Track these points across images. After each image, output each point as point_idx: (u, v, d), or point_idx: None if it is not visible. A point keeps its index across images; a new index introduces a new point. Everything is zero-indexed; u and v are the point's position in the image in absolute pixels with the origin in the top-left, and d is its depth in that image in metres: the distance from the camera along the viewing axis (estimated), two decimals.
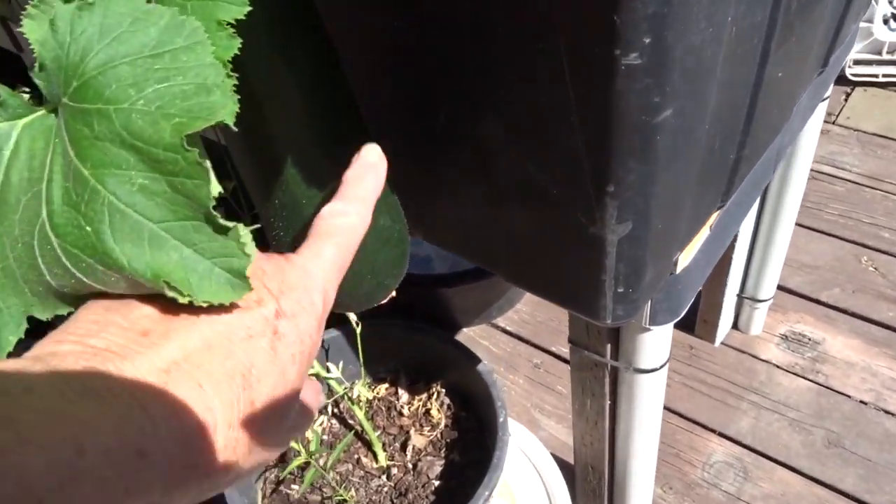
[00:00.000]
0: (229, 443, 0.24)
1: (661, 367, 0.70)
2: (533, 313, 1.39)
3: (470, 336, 1.37)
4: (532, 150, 0.40)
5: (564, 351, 1.32)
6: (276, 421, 0.27)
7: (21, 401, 0.19)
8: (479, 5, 0.34)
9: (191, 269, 0.24)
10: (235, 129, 0.26)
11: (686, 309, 0.62)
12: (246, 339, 0.26)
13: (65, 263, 0.24)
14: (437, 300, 1.33)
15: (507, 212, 0.47)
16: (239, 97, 0.36)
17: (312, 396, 0.34)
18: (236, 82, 0.26)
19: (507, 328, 1.38)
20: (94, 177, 0.23)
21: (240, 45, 0.27)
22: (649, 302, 0.58)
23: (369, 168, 0.38)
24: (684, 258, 0.56)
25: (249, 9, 0.27)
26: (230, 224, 0.24)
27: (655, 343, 0.66)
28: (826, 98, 0.91)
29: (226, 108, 0.24)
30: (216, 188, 0.24)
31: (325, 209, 0.35)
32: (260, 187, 0.41)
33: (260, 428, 0.26)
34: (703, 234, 0.58)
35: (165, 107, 0.23)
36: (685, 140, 0.40)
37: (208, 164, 0.24)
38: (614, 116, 0.35)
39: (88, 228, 0.23)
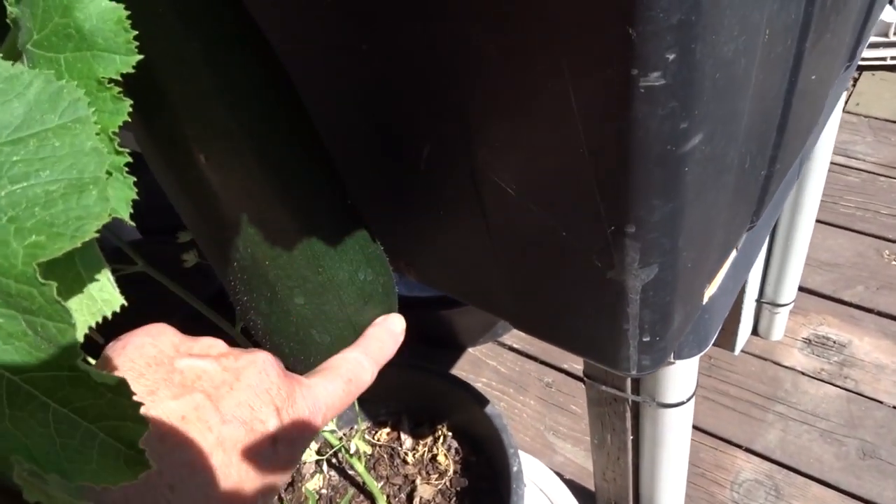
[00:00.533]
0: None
1: (688, 399, 0.63)
2: None
3: (476, 356, 1.31)
4: (534, 189, 0.34)
5: (577, 367, 1.25)
6: None
7: None
8: (459, 20, 0.28)
9: (65, 434, 0.17)
10: (132, 223, 0.20)
11: (714, 339, 0.56)
12: None
13: None
14: (439, 322, 1.27)
15: (508, 256, 0.40)
16: (177, 151, 0.30)
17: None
18: (128, 160, 0.20)
19: (515, 346, 1.31)
20: None
21: (129, 109, 0.20)
22: None
23: (392, 336, 0.39)
24: (711, 288, 0.49)
25: (139, 57, 0.20)
26: (112, 379, 0.17)
27: (681, 376, 0.60)
28: (845, 88, 0.84)
29: (101, 216, 0.17)
30: (83, 328, 0.18)
31: (345, 353, 0.37)
32: (213, 248, 0.35)
33: None
34: (730, 258, 0.51)
35: (19, 219, 0.17)
36: (716, 168, 0.33)
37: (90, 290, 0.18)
38: (633, 149, 0.28)
39: None
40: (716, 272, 0.46)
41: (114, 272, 0.41)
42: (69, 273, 0.21)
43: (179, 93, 0.29)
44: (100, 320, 0.22)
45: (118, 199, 0.20)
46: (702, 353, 0.56)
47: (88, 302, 0.22)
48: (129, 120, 0.21)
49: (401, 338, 0.39)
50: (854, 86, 1.68)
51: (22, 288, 0.16)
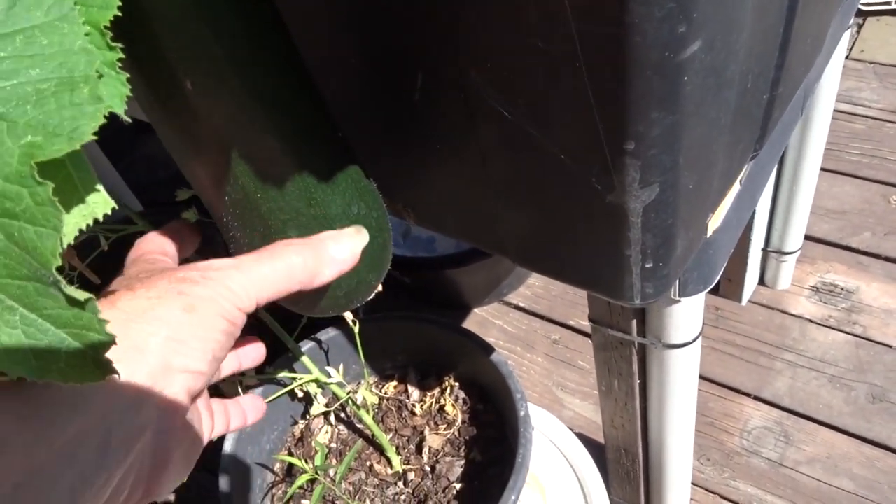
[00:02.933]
0: None
1: (694, 340, 0.63)
2: (547, 287, 1.32)
3: (482, 316, 1.31)
4: (529, 108, 0.33)
5: (584, 324, 1.25)
6: None
7: None
8: None
9: (34, 336, 0.17)
10: (127, 119, 0.20)
11: (719, 275, 0.55)
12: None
13: None
14: (444, 282, 1.27)
15: (506, 186, 0.40)
16: (161, 77, 0.29)
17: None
18: (121, 56, 0.20)
19: (521, 305, 1.31)
20: None
21: (119, 3, 0.20)
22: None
23: (346, 254, 0.36)
24: (715, 220, 0.48)
25: None
26: (83, 295, 0.17)
27: (687, 315, 0.59)
28: (849, 27, 0.82)
29: (95, 115, 0.17)
30: (74, 230, 0.18)
31: (291, 241, 0.34)
32: (203, 182, 0.35)
33: None
34: (734, 190, 0.50)
35: (11, 116, 0.16)
36: (717, 80, 0.32)
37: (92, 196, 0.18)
38: (630, 56, 0.28)
39: None
40: (719, 201, 0.45)
41: (118, 235, 0.40)
42: (60, 174, 0.20)
43: (161, 12, 0.28)
44: (91, 222, 0.22)
45: (112, 95, 0.19)
46: (707, 290, 0.55)
47: (80, 204, 0.21)
48: (120, 15, 0.20)
49: (350, 264, 0.36)
50: (858, 32, 1.65)
51: (10, 188, 0.16)
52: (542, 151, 0.35)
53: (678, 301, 0.57)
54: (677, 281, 0.53)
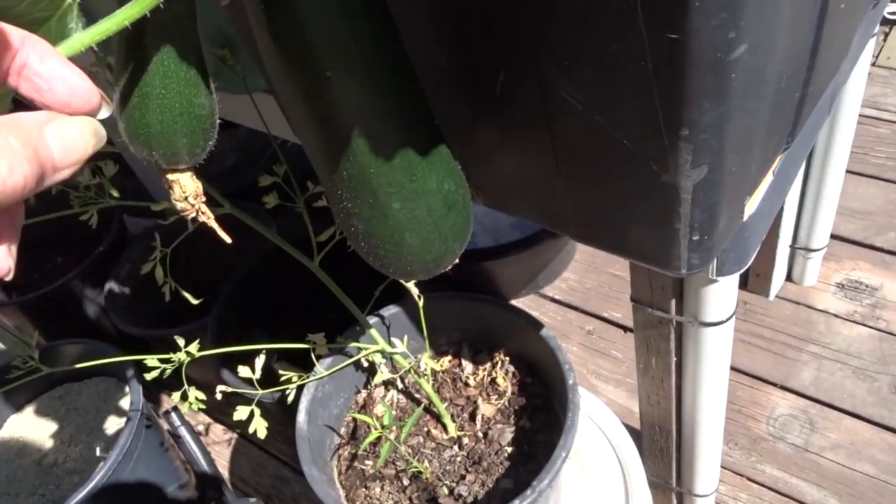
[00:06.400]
0: None
1: (728, 319, 0.69)
2: (581, 280, 1.38)
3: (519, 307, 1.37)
4: (600, 100, 0.40)
5: (617, 316, 1.31)
6: None
7: None
8: None
9: None
10: None
11: (752, 258, 0.61)
12: None
13: None
14: (482, 274, 1.33)
15: (572, 169, 0.46)
16: (307, 65, 0.36)
17: None
18: None
19: (556, 297, 1.37)
20: None
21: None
22: None
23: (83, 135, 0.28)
24: (750, 205, 0.55)
25: None
26: None
27: (722, 294, 0.65)
28: (875, 34, 0.88)
29: None
30: None
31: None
32: (325, 159, 0.42)
33: None
34: (767, 180, 0.56)
35: None
36: (758, 78, 0.39)
37: None
38: (689, 57, 0.34)
39: None
40: (755, 186, 0.52)
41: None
42: None
43: (314, 20, 0.35)
44: None
45: None
46: (742, 270, 0.61)
47: None
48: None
49: (95, 147, 0.28)
50: (885, 40, 1.70)
51: None
52: (606, 137, 0.42)
53: (715, 280, 0.63)
54: (714, 262, 0.60)
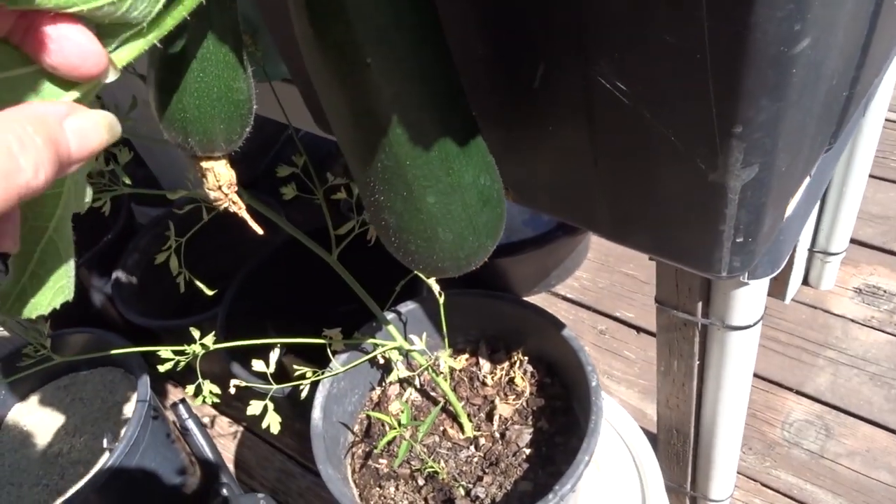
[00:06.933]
0: None
1: (756, 323, 0.67)
2: (594, 280, 1.37)
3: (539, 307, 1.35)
4: (649, 94, 0.38)
5: (629, 316, 1.29)
6: None
7: None
8: None
9: None
10: None
11: (785, 261, 0.59)
12: None
13: None
14: (494, 270, 1.31)
15: (611, 165, 0.45)
16: (347, 51, 0.35)
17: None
18: None
19: (568, 296, 1.36)
20: None
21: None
22: None
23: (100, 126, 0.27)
24: (789, 207, 0.53)
25: None
26: None
27: (751, 298, 0.64)
28: None
29: None
30: None
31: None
32: (360, 149, 0.40)
33: None
34: (805, 181, 0.55)
35: None
36: (816, 74, 0.37)
37: None
38: (750, 50, 0.32)
39: None
40: (798, 187, 0.50)
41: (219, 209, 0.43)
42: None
43: (357, 5, 0.33)
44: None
45: None
46: (773, 275, 0.60)
47: None
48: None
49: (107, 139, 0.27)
50: None
51: None
52: (652, 134, 0.40)
53: (746, 283, 0.62)
54: None
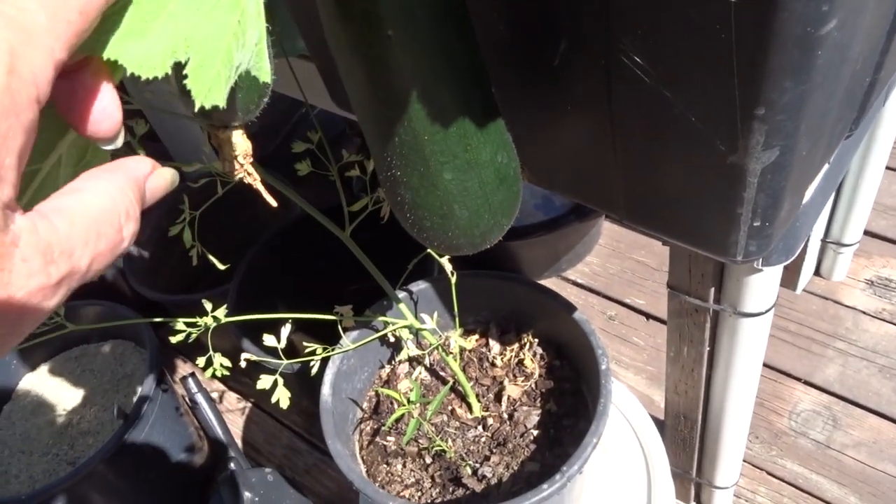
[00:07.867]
0: None
1: (768, 310, 0.67)
2: (604, 265, 1.37)
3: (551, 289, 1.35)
4: (672, 74, 0.38)
5: (639, 302, 1.29)
6: None
7: None
8: None
9: None
10: None
11: (800, 248, 0.59)
12: None
13: None
14: (504, 254, 1.31)
15: (629, 146, 0.44)
16: (368, 22, 0.35)
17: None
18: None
19: (578, 281, 1.35)
20: None
21: None
22: None
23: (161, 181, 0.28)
24: (808, 191, 0.53)
25: None
26: None
27: (764, 285, 0.63)
28: None
29: None
30: None
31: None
32: (378, 124, 0.40)
33: None
34: (823, 167, 0.54)
35: None
36: (841, 56, 0.37)
37: None
38: (777, 29, 0.32)
39: None
40: (817, 173, 0.50)
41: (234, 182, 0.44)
42: None
43: None
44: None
45: None
46: (787, 262, 0.59)
47: None
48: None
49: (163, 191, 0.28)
50: None
51: None
52: (672, 114, 0.40)
53: (759, 270, 0.61)
54: None
